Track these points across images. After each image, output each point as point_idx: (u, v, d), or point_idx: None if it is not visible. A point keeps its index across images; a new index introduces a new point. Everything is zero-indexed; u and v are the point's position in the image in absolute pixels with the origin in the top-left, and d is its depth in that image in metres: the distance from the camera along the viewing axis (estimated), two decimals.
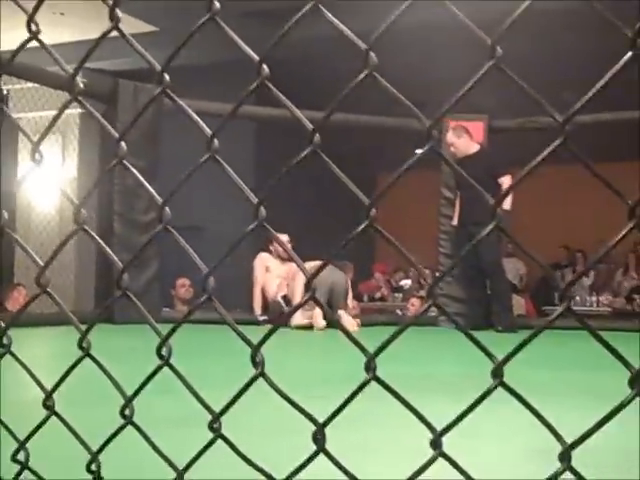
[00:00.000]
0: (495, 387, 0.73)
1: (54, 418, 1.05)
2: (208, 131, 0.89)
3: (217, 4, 0.86)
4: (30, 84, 7.09)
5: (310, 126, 0.82)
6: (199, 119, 0.90)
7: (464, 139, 6.65)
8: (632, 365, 0.69)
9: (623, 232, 0.69)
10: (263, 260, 6.96)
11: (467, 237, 6.37)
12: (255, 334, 0.85)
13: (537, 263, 0.74)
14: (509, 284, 7.09)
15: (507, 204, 6.19)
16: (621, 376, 0.70)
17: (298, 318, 6.25)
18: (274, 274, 6.89)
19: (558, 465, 0.72)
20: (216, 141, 0.88)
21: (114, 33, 0.97)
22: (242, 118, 6.73)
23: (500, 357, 0.74)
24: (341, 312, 6.35)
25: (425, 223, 8.40)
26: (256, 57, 0.84)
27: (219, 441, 0.90)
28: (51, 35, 7.52)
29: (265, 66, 0.84)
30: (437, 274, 7.33)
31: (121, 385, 0.99)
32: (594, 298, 10.85)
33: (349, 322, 6.26)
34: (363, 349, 0.78)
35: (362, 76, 0.78)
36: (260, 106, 6.86)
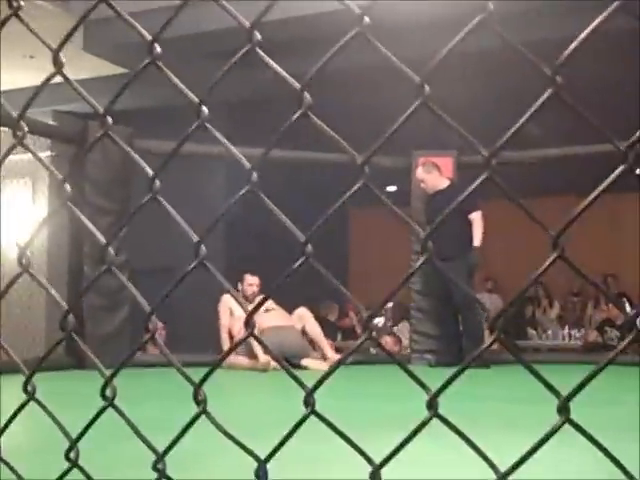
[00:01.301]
0: (430, 419, 0.74)
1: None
2: (150, 172, 0.90)
3: (158, 49, 0.88)
4: None
5: (248, 165, 0.83)
6: (140, 161, 0.90)
7: (434, 175, 6.70)
8: (561, 394, 0.70)
9: (546, 263, 0.70)
10: (226, 303, 6.81)
11: (436, 272, 6.40)
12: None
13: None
14: (482, 321, 7.09)
15: (477, 240, 6.29)
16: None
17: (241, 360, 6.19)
18: (237, 315, 6.75)
19: None
20: (157, 182, 0.90)
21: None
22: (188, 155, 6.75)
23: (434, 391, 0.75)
24: (306, 361, 6.25)
25: (398, 259, 8.44)
26: (196, 99, 0.87)
27: None
28: (22, 78, 7.51)
29: (204, 108, 0.86)
30: (412, 311, 7.32)
31: (68, 431, 0.98)
32: (565, 331, 10.92)
33: (316, 365, 6.21)
34: (302, 385, 0.79)
35: (296, 115, 0.80)
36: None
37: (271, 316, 6.35)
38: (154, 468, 0.88)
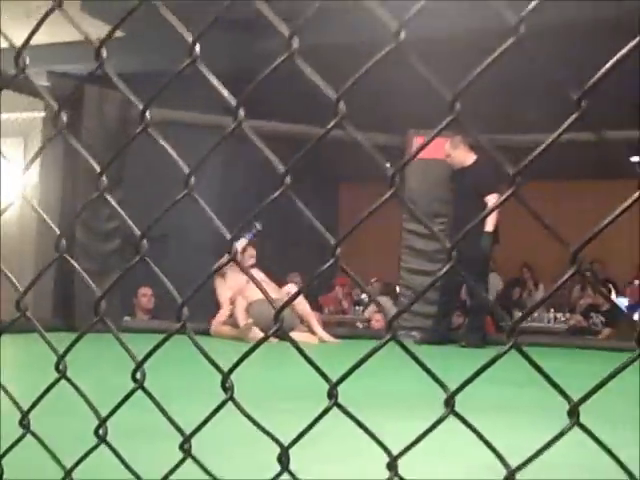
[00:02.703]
0: (447, 415, 0.76)
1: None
2: (186, 169, 0.89)
3: (197, 50, 0.87)
4: None
5: (283, 168, 0.83)
6: (175, 154, 0.90)
7: (460, 150, 6.42)
8: (572, 399, 0.72)
9: (565, 277, 0.72)
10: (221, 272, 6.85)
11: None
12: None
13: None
14: (487, 304, 7.07)
15: (489, 225, 6.04)
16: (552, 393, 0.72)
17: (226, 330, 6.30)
18: (228, 285, 6.76)
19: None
20: (193, 179, 0.89)
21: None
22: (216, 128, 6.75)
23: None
24: (295, 334, 6.23)
25: (388, 235, 8.46)
26: (233, 102, 0.86)
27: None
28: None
29: (241, 111, 0.85)
30: (398, 289, 7.35)
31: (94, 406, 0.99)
32: (551, 315, 10.99)
33: (308, 337, 6.26)
34: (326, 378, 0.80)
35: (332, 124, 0.81)
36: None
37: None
38: (181, 448, 0.90)
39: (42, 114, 7.57)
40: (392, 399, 2.99)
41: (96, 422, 0.96)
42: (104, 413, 0.96)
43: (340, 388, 0.79)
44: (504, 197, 0.73)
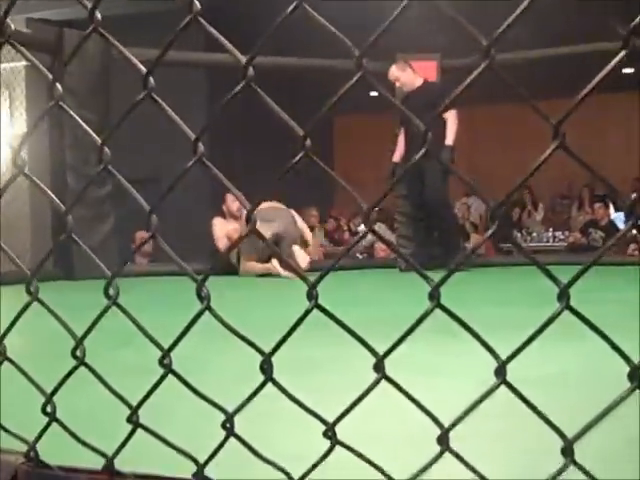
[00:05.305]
0: (432, 309, 0.75)
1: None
2: (143, 69, 0.87)
3: (197, 4, 0.83)
4: None
5: (301, 131, 0.81)
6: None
7: (408, 72, 6.55)
8: (561, 281, 0.71)
9: (547, 152, 0.69)
10: (218, 224, 6.92)
11: (412, 174, 6.30)
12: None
13: (482, 199, 0.75)
14: (455, 223, 7.03)
15: (450, 139, 6.20)
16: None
17: (253, 266, 6.27)
18: (231, 227, 6.84)
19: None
20: (152, 79, 0.87)
21: None
22: (196, 65, 6.62)
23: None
24: (295, 247, 6.31)
25: (383, 166, 8.42)
26: (243, 60, 0.83)
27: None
28: None
29: (251, 69, 0.82)
30: (395, 216, 7.35)
31: (71, 329, 0.99)
32: (550, 234, 11.04)
33: (302, 258, 6.27)
34: (306, 280, 0.79)
35: (354, 80, 0.80)
36: (210, 52, 6.76)
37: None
38: (160, 364, 0.90)
39: (24, 63, 7.44)
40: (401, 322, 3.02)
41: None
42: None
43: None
44: (479, 69, 0.71)
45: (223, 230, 6.83)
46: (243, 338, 0.84)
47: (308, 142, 0.81)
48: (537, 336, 0.72)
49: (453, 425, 0.77)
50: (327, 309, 0.80)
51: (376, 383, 0.79)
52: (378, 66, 6.86)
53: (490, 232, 0.73)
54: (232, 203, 6.84)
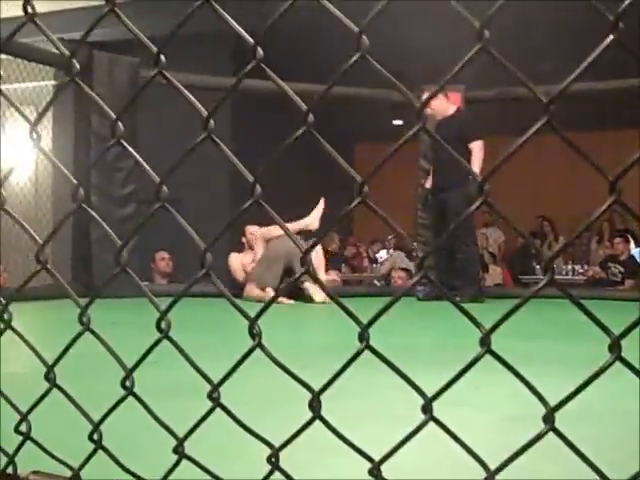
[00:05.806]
0: (483, 354, 0.75)
1: (55, 390, 1.06)
2: (204, 111, 0.89)
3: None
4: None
5: (304, 106, 0.82)
6: (191, 97, 0.90)
7: (440, 100, 6.50)
8: (612, 332, 0.71)
9: (603, 207, 0.70)
10: (235, 258, 6.99)
11: (438, 203, 6.37)
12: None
13: (518, 232, 0.75)
14: (476, 254, 6.97)
15: (476, 170, 6.19)
16: (594, 345, 0.72)
17: (251, 289, 6.41)
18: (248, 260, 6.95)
19: (538, 429, 0.74)
20: (212, 121, 0.89)
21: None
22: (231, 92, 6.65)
23: (486, 326, 0.75)
24: (306, 284, 6.28)
25: (401, 193, 8.44)
26: (251, 40, 0.85)
27: (217, 411, 0.91)
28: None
29: (260, 49, 0.84)
30: (415, 244, 7.33)
31: (120, 357, 1.00)
32: (569, 267, 10.96)
33: (315, 292, 6.28)
34: (357, 320, 0.80)
35: (355, 58, 0.78)
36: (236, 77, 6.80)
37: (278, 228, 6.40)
38: (209, 397, 0.91)
39: (52, 82, 7.56)
40: (418, 353, 3.00)
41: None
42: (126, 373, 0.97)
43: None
44: (537, 125, 0.71)
45: (238, 262, 6.97)
46: (294, 376, 0.85)
47: (311, 117, 0.81)
48: (585, 387, 0.71)
49: (498, 470, 0.76)
50: (379, 352, 0.79)
51: (423, 425, 0.79)
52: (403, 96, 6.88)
53: (542, 285, 0.72)
54: (250, 236, 6.93)
